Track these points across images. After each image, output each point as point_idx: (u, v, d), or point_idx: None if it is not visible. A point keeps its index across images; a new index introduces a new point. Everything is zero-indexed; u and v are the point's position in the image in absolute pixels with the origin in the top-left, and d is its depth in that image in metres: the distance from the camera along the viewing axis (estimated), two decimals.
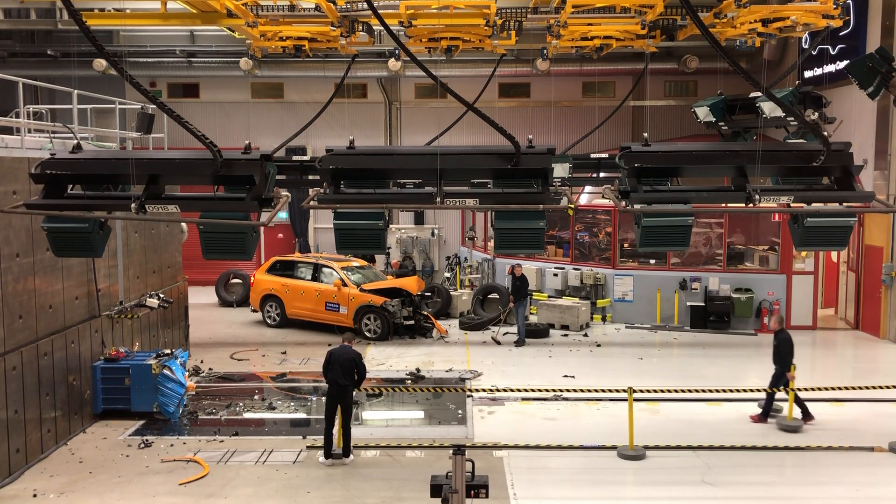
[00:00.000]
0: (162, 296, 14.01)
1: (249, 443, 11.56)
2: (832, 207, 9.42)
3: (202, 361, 16.08)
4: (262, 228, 9.92)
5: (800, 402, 12.36)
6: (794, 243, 9.67)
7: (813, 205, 9.40)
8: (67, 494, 9.73)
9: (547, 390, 13.05)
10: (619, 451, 10.99)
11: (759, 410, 12.53)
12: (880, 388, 12.40)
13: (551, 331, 18.90)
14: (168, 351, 13.13)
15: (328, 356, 10.96)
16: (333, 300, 18.62)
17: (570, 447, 11.26)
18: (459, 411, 12.98)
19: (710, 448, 11.21)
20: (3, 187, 10.15)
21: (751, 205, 8.99)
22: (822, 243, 9.68)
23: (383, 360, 16.45)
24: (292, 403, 13.66)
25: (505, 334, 18.55)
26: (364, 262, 20.50)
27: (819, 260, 19.94)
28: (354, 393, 11.17)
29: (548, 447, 11.27)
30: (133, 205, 8.66)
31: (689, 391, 12.92)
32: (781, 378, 12.34)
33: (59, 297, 11.45)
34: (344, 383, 10.78)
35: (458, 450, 7.10)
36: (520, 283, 17.78)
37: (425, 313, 18.96)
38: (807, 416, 12.33)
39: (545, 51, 17.48)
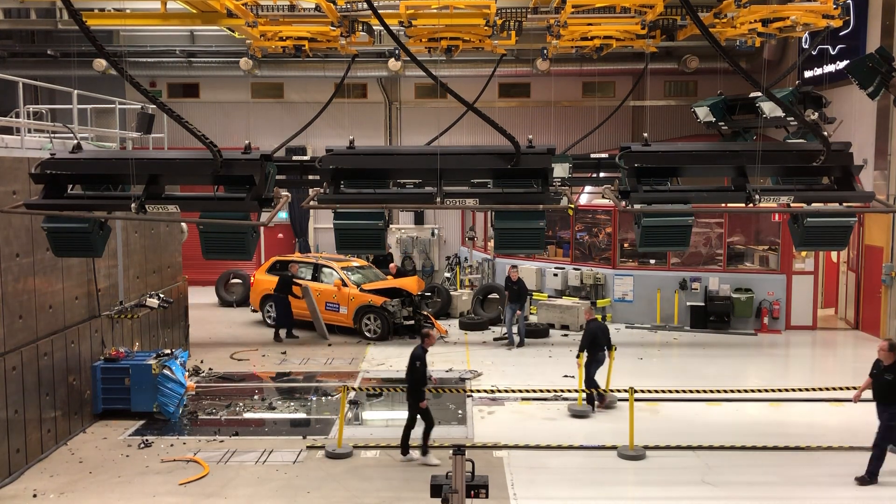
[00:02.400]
0: (162, 296, 14.01)
1: (249, 443, 11.56)
2: (832, 207, 9.41)
3: (202, 361, 16.08)
4: (262, 228, 9.91)
5: (595, 386, 12.70)
6: (794, 243, 9.66)
7: (813, 205, 9.39)
8: (67, 494, 9.73)
9: (547, 390, 13.04)
10: (619, 451, 10.99)
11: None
12: None
13: (551, 331, 18.89)
14: (168, 351, 13.13)
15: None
16: (333, 300, 18.62)
17: (570, 447, 11.26)
18: (459, 411, 12.98)
19: (710, 448, 11.21)
20: (3, 187, 10.15)
21: (751, 205, 8.99)
22: (822, 243, 9.68)
23: (383, 360, 16.44)
24: (292, 403, 13.66)
25: (505, 334, 18.58)
26: (364, 262, 20.50)
27: (819, 260, 19.94)
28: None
29: (548, 447, 11.27)
30: (133, 205, 8.65)
31: (689, 391, 12.92)
32: (591, 365, 12.64)
33: (59, 297, 11.45)
34: (405, 384, 10.87)
35: (458, 450, 7.10)
36: (517, 286, 17.48)
37: (425, 313, 18.96)
38: (601, 399, 12.71)
39: (545, 51, 17.48)
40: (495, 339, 18.13)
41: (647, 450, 11.01)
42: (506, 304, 18.00)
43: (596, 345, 12.75)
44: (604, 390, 12.80)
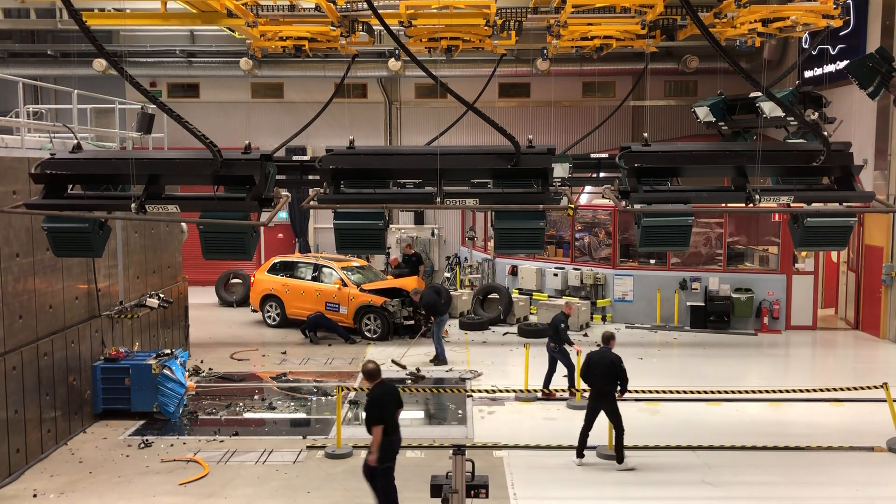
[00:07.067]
0: (162, 296, 14.01)
1: (249, 443, 11.56)
2: (832, 207, 9.42)
3: (202, 361, 16.08)
4: (262, 228, 9.92)
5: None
6: (794, 243, 9.67)
7: (813, 205, 9.40)
8: (67, 494, 9.73)
9: (543, 389, 13.04)
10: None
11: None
12: (880, 387, 12.39)
13: None
14: (168, 351, 13.12)
15: (586, 359, 10.69)
16: (333, 300, 18.62)
17: (570, 447, 11.23)
18: (459, 411, 12.98)
19: (710, 448, 11.21)
20: (3, 187, 10.15)
21: (751, 205, 8.99)
22: (822, 243, 9.68)
23: (383, 360, 16.43)
24: (292, 403, 13.66)
25: (505, 334, 18.57)
26: (364, 262, 20.49)
27: (819, 260, 19.93)
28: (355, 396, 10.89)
29: (548, 447, 11.27)
30: (133, 205, 8.66)
31: (689, 391, 12.93)
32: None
33: (59, 297, 11.45)
34: (605, 389, 10.44)
35: (458, 450, 7.11)
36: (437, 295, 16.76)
37: (425, 313, 18.93)
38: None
39: (545, 51, 17.46)
40: (431, 361, 16.28)
41: (647, 450, 11.01)
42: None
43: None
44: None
